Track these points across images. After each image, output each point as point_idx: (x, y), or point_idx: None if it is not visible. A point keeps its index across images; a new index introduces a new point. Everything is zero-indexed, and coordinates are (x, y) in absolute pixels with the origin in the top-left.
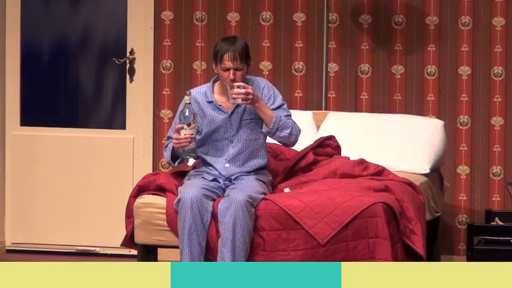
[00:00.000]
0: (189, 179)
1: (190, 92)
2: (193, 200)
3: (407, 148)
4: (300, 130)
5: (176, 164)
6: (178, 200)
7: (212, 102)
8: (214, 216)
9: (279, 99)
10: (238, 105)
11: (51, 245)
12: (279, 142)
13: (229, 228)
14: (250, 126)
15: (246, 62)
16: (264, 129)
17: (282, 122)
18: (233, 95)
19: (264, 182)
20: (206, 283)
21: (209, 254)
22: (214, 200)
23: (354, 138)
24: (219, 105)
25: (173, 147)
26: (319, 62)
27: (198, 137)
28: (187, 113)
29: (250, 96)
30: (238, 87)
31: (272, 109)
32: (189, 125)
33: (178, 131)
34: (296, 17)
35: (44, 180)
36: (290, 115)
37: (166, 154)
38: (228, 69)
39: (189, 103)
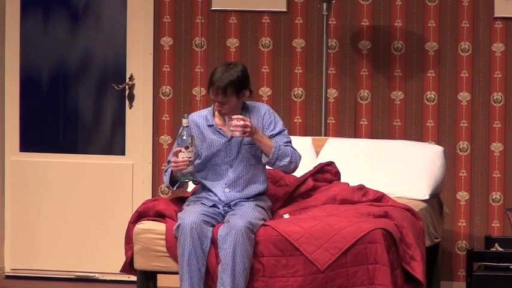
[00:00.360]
0: (188, 204)
1: (187, 115)
2: (193, 226)
3: (406, 174)
4: (300, 156)
5: (175, 188)
6: (178, 226)
7: (212, 125)
8: (213, 242)
9: (280, 125)
10: None
11: (51, 271)
12: (279, 170)
13: (229, 254)
14: (250, 151)
15: (235, 94)
16: (264, 159)
17: (281, 151)
18: (231, 128)
19: (263, 208)
20: None
21: (209, 280)
22: (213, 226)
23: (354, 164)
24: (219, 129)
25: (172, 170)
26: (319, 88)
27: (198, 161)
28: (185, 136)
29: (248, 129)
30: (237, 119)
31: (272, 135)
32: (186, 148)
33: (176, 154)
34: (295, 43)
35: (43, 206)
36: (290, 141)
37: (166, 178)
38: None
39: (187, 126)
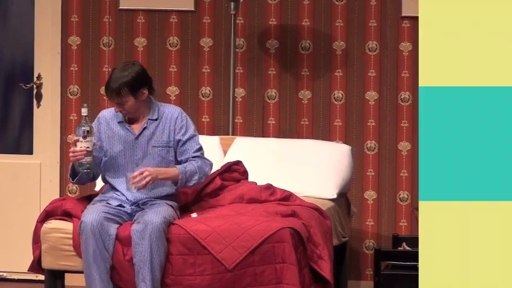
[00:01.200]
0: (93, 204)
1: (86, 105)
2: (94, 223)
3: (314, 173)
4: (211, 164)
5: (75, 181)
6: (80, 224)
7: (122, 122)
8: (120, 239)
9: (191, 130)
10: (145, 128)
11: None
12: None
13: (147, 249)
14: (160, 153)
15: (131, 94)
16: (175, 187)
17: (188, 174)
18: (131, 184)
19: (172, 207)
20: None
21: (114, 277)
22: (119, 224)
23: (261, 163)
24: (128, 126)
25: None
26: (226, 87)
27: (105, 159)
28: (83, 126)
29: (149, 178)
30: (132, 177)
31: (183, 141)
32: (84, 137)
33: (74, 143)
34: (203, 42)
35: None
36: (200, 148)
37: (69, 172)
38: None
39: (86, 115)
